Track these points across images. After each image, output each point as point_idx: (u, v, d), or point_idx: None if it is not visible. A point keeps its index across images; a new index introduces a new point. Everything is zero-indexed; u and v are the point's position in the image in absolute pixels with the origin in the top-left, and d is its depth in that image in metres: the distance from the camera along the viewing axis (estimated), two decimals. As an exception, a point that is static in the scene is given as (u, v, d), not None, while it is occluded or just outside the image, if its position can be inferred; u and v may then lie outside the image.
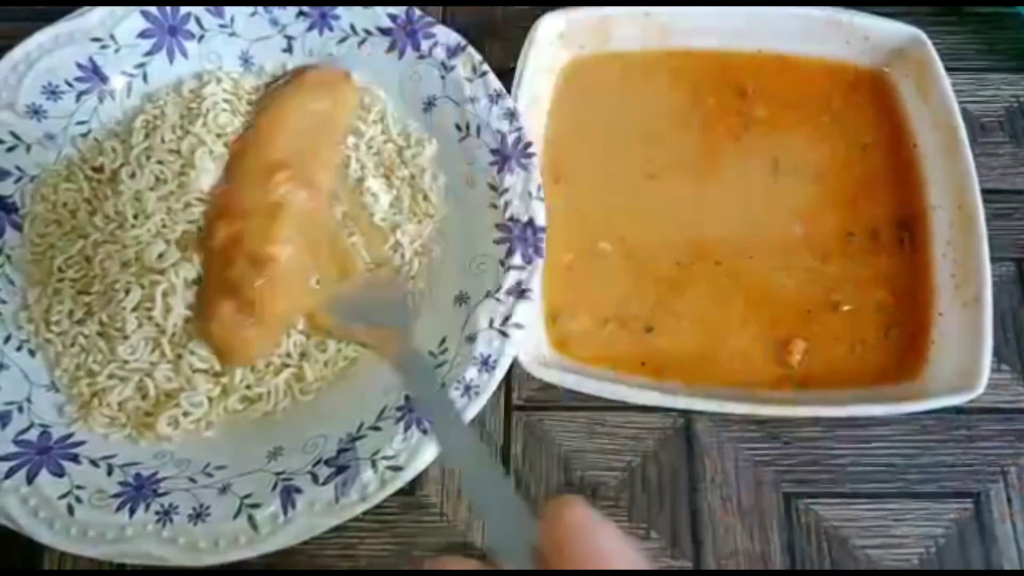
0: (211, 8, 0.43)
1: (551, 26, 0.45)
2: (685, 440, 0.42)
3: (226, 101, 0.43)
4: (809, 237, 0.45)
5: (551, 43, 0.46)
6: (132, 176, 0.41)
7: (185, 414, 0.38)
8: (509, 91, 0.43)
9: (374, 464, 0.35)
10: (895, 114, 0.48)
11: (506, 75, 0.46)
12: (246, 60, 0.45)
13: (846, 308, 0.43)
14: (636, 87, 0.48)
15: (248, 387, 0.39)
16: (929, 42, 0.46)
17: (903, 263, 0.44)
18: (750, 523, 0.41)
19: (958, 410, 0.42)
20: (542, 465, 0.42)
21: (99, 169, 0.42)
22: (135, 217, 0.40)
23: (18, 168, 0.41)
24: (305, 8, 0.44)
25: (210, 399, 0.38)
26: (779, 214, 0.45)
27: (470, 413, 0.37)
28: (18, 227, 0.41)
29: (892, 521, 0.41)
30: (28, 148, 0.41)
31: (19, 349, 0.39)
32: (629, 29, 0.47)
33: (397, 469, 0.35)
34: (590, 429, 0.42)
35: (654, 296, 0.43)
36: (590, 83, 0.48)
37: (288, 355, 0.39)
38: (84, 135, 0.42)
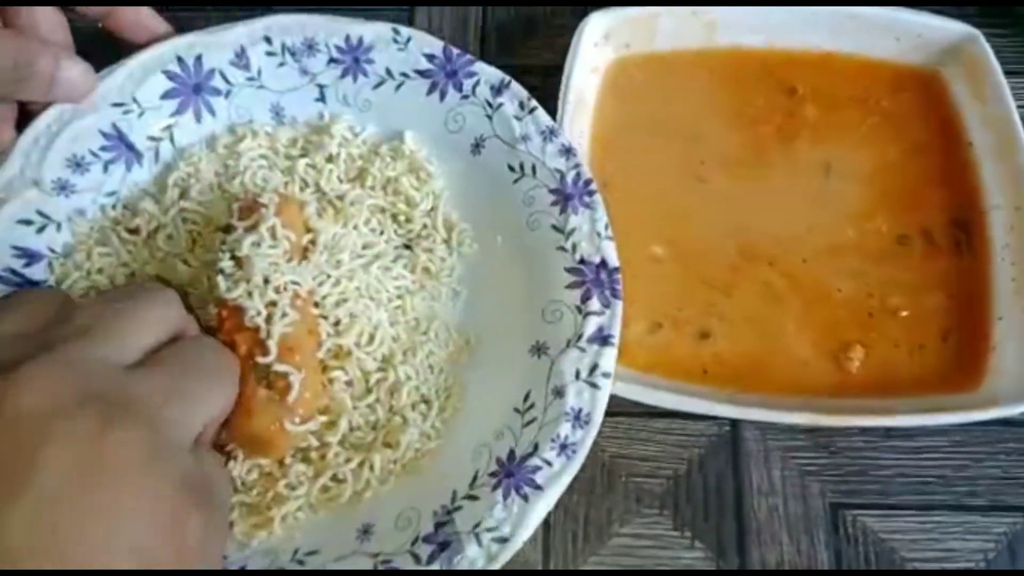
0: (235, 61, 0.41)
1: (597, 25, 0.44)
2: (731, 448, 0.42)
3: (263, 157, 0.41)
4: (862, 240, 0.44)
5: (596, 43, 0.45)
6: (170, 238, 0.39)
7: (292, 502, 0.35)
8: (553, 92, 0.43)
9: (478, 538, 0.33)
10: (948, 114, 0.46)
11: (545, 72, 0.45)
12: (277, 113, 0.42)
13: (904, 313, 0.42)
14: (683, 87, 0.47)
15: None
16: (984, 40, 0.45)
17: (960, 266, 0.43)
18: (797, 534, 0.40)
19: (1006, 421, 0.41)
20: (585, 471, 0.41)
21: (134, 231, 0.39)
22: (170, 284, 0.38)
23: (51, 249, 0.38)
24: (335, 55, 0.41)
25: (301, 481, 0.36)
26: (831, 216, 0.44)
27: (569, 474, 0.35)
28: None
29: (940, 534, 0.40)
30: (59, 227, 0.38)
31: None
32: (676, 28, 0.46)
33: (503, 540, 0.33)
34: (634, 435, 0.42)
35: (707, 300, 0.42)
36: (636, 83, 0.47)
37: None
38: (114, 206, 0.40)
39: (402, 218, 0.41)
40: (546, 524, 0.40)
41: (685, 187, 0.45)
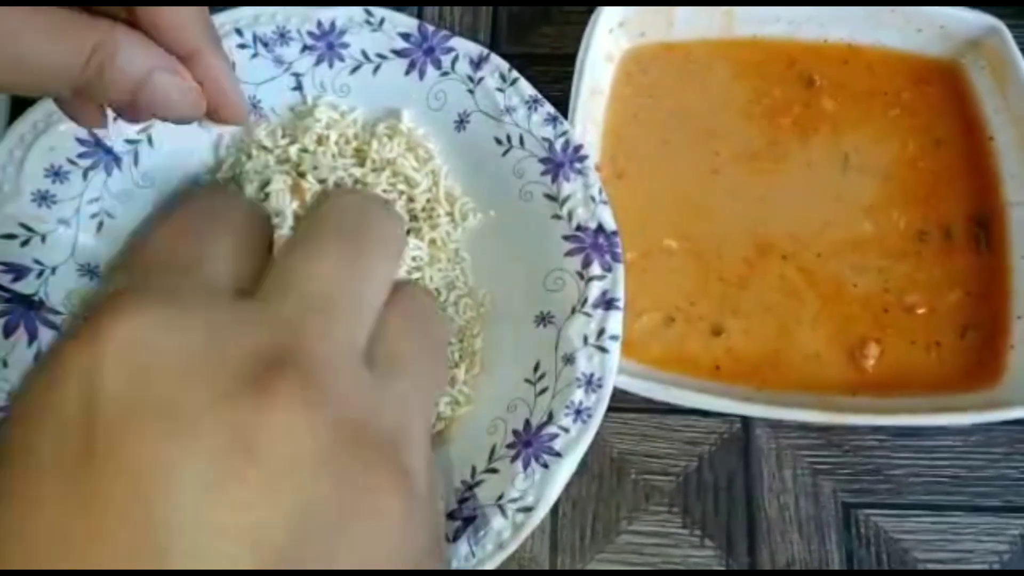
0: None
1: (612, 13, 0.44)
2: (742, 445, 0.41)
3: (261, 149, 0.40)
4: (880, 235, 0.43)
5: (611, 30, 0.44)
6: None
7: None
8: (568, 79, 0.42)
9: (502, 509, 0.33)
10: (969, 107, 0.45)
11: (558, 61, 0.44)
12: (255, 106, 0.41)
13: (921, 310, 0.41)
14: (699, 77, 0.46)
15: None
16: (1007, 32, 0.44)
17: (979, 263, 0.42)
18: (808, 533, 0.40)
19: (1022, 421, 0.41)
20: (594, 467, 0.41)
21: None
22: None
23: (37, 262, 0.37)
24: (309, 42, 0.40)
25: None
26: (848, 210, 0.43)
27: (586, 439, 0.34)
28: (53, 326, 0.38)
29: (954, 535, 0.40)
30: (44, 238, 0.38)
31: None
32: (693, 17, 0.45)
33: (527, 510, 0.33)
34: (644, 432, 0.41)
35: (721, 294, 0.42)
36: (651, 73, 0.46)
37: None
38: (95, 215, 0.39)
39: (404, 198, 0.41)
40: (554, 520, 0.40)
41: (700, 179, 0.44)
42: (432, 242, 0.40)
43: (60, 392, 0.15)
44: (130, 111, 0.28)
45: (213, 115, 0.29)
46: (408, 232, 0.40)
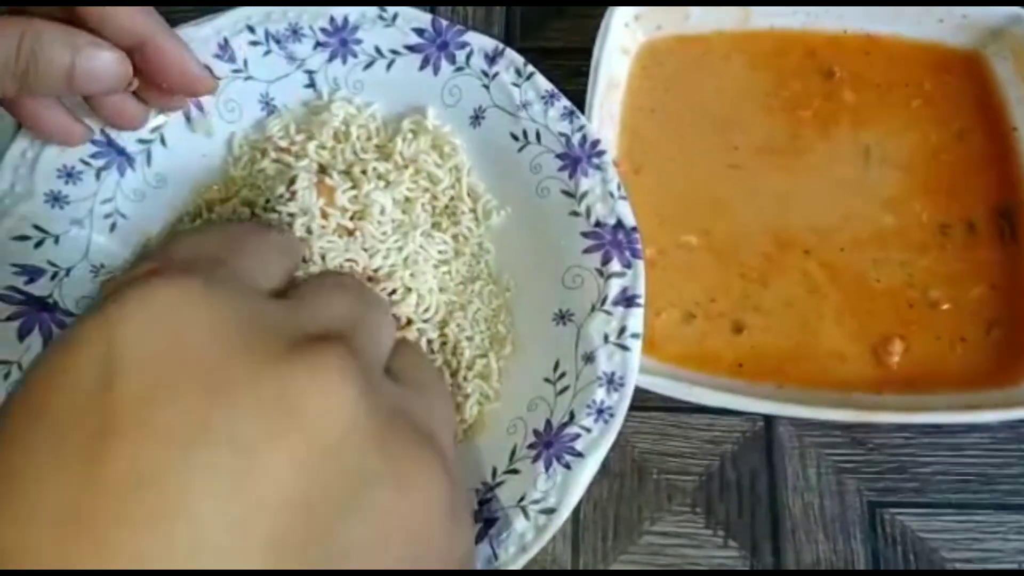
0: (219, 54, 0.39)
1: (627, 6, 0.43)
2: (765, 444, 0.40)
3: (277, 150, 0.40)
4: (902, 228, 0.42)
5: (627, 24, 0.44)
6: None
7: None
8: (583, 73, 0.41)
9: (524, 511, 0.33)
10: (992, 98, 0.45)
11: (572, 55, 0.44)
12: (267, 103, 0.41)
13: (945, 306, 0.41)
14: (716, 70, 0.45)
15: None
16: (1031, 21, 0.43)
17: (1004, 256, 0.41)
18: (833, 532, 0.39)
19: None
20: (614, 468, 0.40)
21: None
22: None
23: (51, 263, 0.37)
24: (321, 38, 0.40)
25: None
26: (870, 204, 0.42)
27: (608, 439, 0.34)
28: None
29: (981, 534, 0.39)
30: (56, 240, 0.37)
31: None
32: (709, 8, 0.44)
33: (550, 512, 0.33)
34: (664, 431, 0.41)
35: (741, 291, 0.41)
36: (667, 66, 0.45)
37: None
38: (108, 215, 0.39)
39: (428, 195, 0.40)
40: (575, 522, 0.39)
41: (718, 174, 0.43)
42: (455, 237, 0.40)
43: (75, 362, 0.14)
44: (68, 91, 0.30)
45: (183, 91, 0.33)
46: (433, 227, 0.39)
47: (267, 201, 0.36)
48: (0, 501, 0.13)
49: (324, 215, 0.34)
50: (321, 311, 0.18)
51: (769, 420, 0.41)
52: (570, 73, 0.41)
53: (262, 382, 0.14)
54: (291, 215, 0.34)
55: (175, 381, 0.14)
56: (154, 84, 0.33)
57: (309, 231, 0.34)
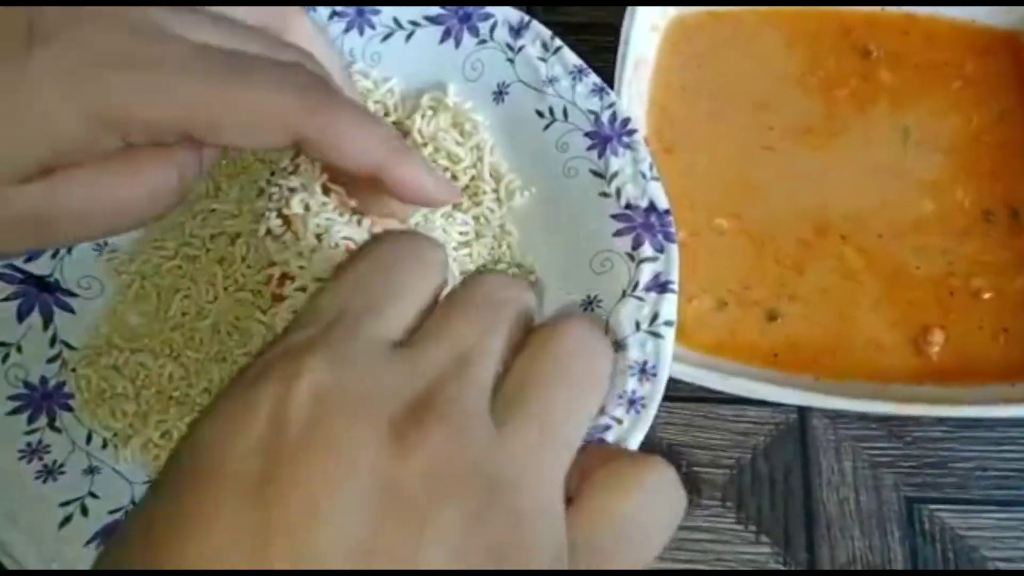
0: None
1: (657, -20, 0.41)
2: (799, 436, 0.39)
3: None
4: (943, 214, 0.40)
5: (656, -2, 0.42)
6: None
7: None
8: (608, 49, 0.40)
9: None
10: (1034, 80, 0.43)
11: (596, 30, 0.42)
12: None
13: (987, 295, 0.39)
14: (748, 47, 0.43)
15: None
16: (1076, 0, 0.42)
17: (1048, 245, 0.40)
18: (869, 529, 0.37)
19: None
20: (642, 459, 0.39)
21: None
22: None
23: None
24: (338, 8, 0.38)
25: None
26: (909, 189, 0.41)
27: (641, 431, 0.32)
28: (70, 309, 0.37)
29: None
30: None
31: (104, 447, 0.35)
32: (742, -18, 0.43)
33: None
34: (694, 422, 0.39)
35: (776, 277, 0.39)
36: (698, 43, 0.43)
37: None
38: None
39: (448, 175, 0.38)
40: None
41: (751, 156, 0.41)
42: (476, 218, 0.38)
43: (255, 419, 0.16)
44: None
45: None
46: (454, 207, 0.37)
47: (272, 174, 0.34)
48: (189, 541, 0.15)
49: (326, 191, 0.32)
50: (429, 362, 0.18)
51: (803, 412, 0.39)
52: (595, 49, 0.39)
53: (373, 462, 0.16)
54: (291, 189, 0.32)
55: (316, 451, 0.16)
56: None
57: (307, 208, 0.32)
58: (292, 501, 0.15)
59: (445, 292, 0.21)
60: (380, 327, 0.18)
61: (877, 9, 0.44)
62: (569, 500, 0.18)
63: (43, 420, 0.35)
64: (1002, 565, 0.37)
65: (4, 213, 0.22)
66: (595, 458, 0.19)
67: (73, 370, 0.36)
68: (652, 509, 0.19)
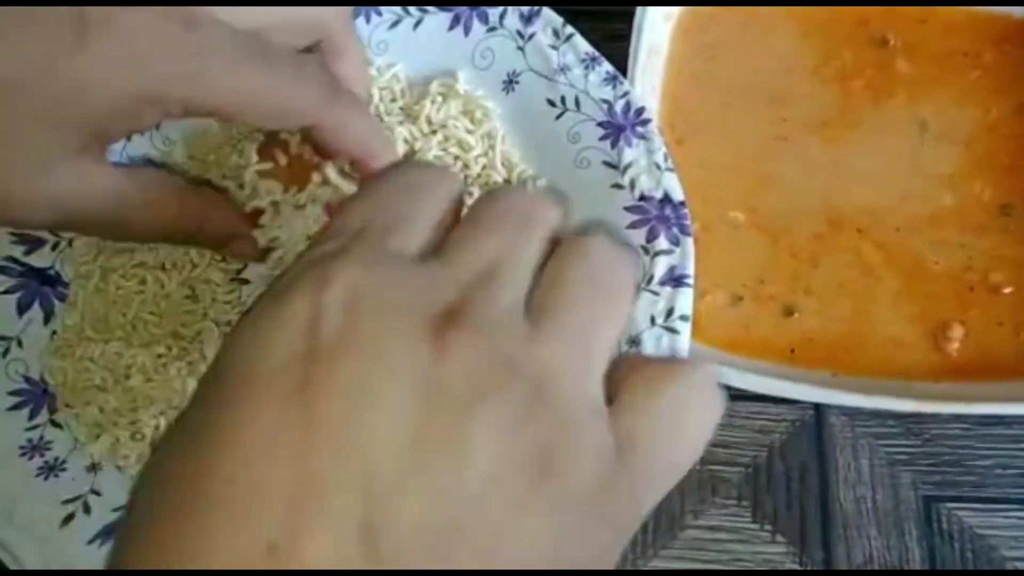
0: None
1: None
2: (815, 434, 0.38)
3: None
4: (961, 208, 0.40)
5: (669, -15, 0.41)
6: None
7: None
8: (618, 37, 0.39)
9: None
10: (1054, 71, 0.42)
11: (606, 18, 0.41)
12: None
13: (1007, 290, 0.38)
14: (762, 36, 0.42)
15: None
16: (1096, -11, 0.41)
17: (1069, 240, 0.39)
18: (886, 528, 0.37)
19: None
20: (655, 457, 0.38)
21: None
22: None
23: (52, 232, 0.35)
24: None
25: None
26: (927, 182, 0.40)
27: None
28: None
29: (1043, 531, 0.37)
30: None
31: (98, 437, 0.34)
32: (756, -30, 0.42)
33: None
34: (708, 419, 0.38)
35: (792, 272, 0.38)
36: (711, 32, 0.43)
37: None
38: None
39: (459, 163, 0.37)
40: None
41: (766, 148, 0.41)
42: None
43: (290, 325, 0.16)
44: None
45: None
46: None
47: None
48: (233, 444, 0.15)
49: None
50: (462, 270, 0.18)
51: (819, 409, 0.38)
52: (605, 37, 0.38)
53: (410, 361, 0.16)
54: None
55: (354, 354, 0.16)
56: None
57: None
58: (334, 398, 0.15)
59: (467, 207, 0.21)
60: (407, 240, 0.19)
61: None
62: (608, 402, 0.18)
63: (44, 416, 0.34)
64: (1021, 565, 0.36)
65: (54, 188, 0.26)
66: (630, 364, 0.19)
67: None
68: (690, 407, 0.18)
